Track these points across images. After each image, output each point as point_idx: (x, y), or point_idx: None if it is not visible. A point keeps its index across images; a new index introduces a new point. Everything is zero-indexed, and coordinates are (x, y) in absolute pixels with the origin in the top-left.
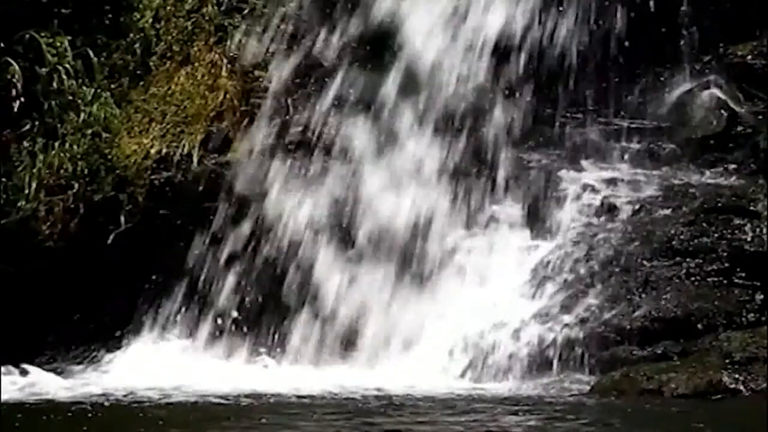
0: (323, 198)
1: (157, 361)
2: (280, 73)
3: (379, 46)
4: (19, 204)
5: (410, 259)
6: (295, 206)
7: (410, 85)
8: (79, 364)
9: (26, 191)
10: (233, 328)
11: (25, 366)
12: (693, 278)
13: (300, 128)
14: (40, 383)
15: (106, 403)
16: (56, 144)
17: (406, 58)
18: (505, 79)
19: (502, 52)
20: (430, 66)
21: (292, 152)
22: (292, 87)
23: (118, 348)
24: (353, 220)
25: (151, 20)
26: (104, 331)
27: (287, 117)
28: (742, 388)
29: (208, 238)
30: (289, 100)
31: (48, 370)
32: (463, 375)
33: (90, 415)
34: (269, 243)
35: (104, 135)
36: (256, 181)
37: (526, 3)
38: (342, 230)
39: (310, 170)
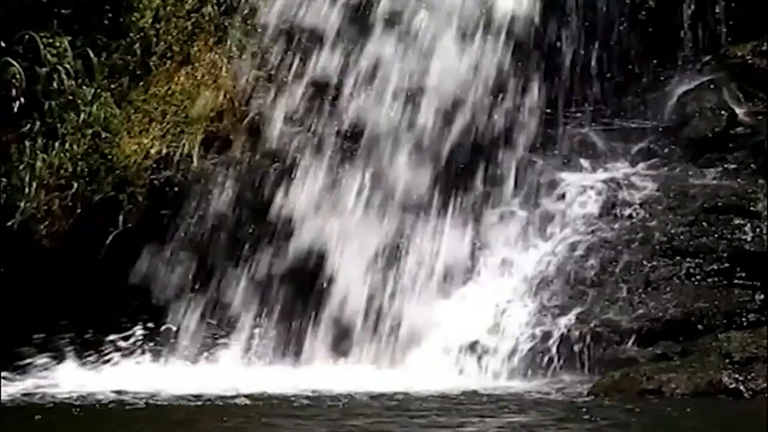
0: None
1: (153, 362)
2: (184, 317)
3: (301, 287)
4: (19, 204)
5: None
6: None
7: (340, 336)
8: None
9: (26, 191)
10: (230, 327)
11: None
12: (693, 278)
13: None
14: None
15: (98, 406)
16: (56, 144)
17: (334, 302)
18: None
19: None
20: (363, 310)
21: None
22: (200, 332)
23: (113, 349)
24: None
25: (151, 20)
26: (96, 331)
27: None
28: (742, 388)
29: None
30: (196, 348)
31: (38, 374)
32: (463, 375)
33: (91, 415)
34: None
35: (104, 135)
36: None
37: (474, 228)
38: None
39: None
